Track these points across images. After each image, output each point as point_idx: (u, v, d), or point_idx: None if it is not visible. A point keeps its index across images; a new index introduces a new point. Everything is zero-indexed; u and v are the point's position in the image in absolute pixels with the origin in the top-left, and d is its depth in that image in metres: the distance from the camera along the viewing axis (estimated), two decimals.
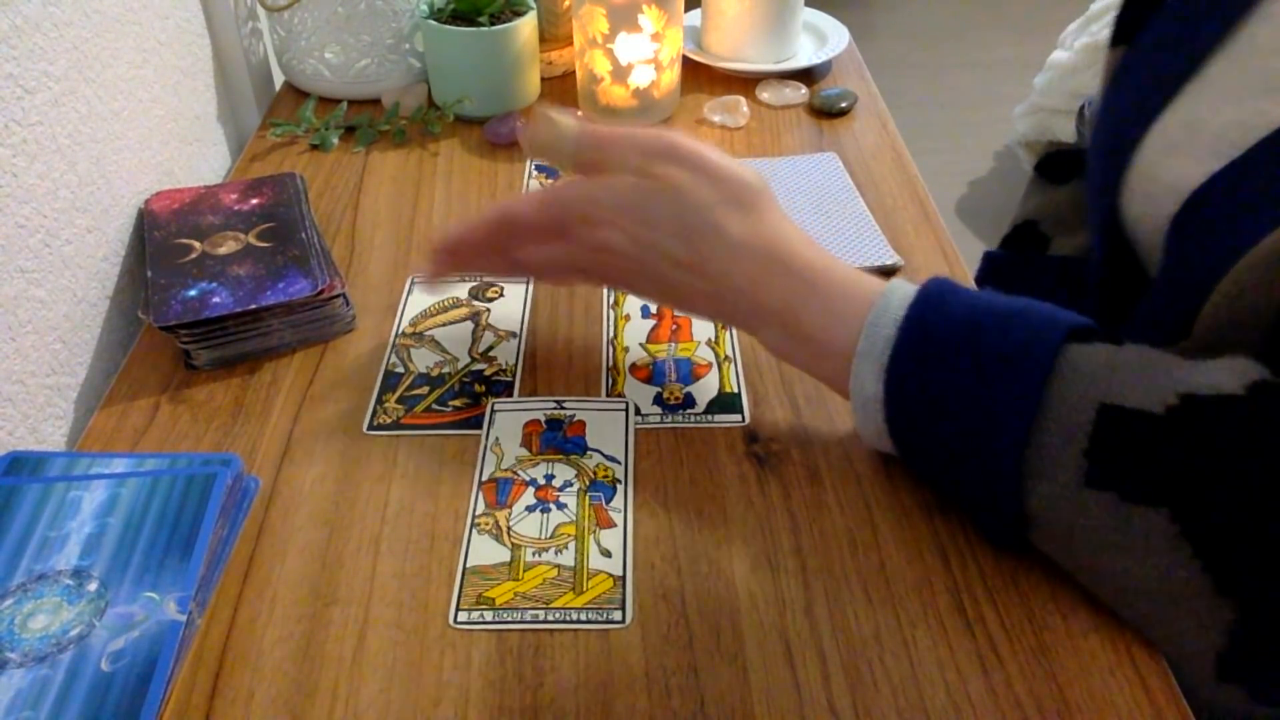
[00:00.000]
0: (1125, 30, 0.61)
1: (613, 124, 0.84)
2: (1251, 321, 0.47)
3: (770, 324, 0.49)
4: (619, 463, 0.53)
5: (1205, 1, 0.54)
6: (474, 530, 0.50)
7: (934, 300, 0.46)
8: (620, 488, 0.52)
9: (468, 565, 0.48)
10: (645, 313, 0.64)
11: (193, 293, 0.59)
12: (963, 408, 0.44)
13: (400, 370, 0.59)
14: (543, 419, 0.56)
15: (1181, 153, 0.53)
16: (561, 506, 0.51)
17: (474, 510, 0.51)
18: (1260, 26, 0.51)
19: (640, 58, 0.81)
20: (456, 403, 0.57)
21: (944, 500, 0.50)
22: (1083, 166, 0.68)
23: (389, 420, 0.56)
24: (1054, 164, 0.83)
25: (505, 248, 0.54)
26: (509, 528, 0.50)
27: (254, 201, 0.68)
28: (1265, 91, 0.49)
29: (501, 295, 0.65)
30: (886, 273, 0.66)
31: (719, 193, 0.49)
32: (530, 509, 0.51)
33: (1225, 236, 0.49)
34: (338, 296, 0.61)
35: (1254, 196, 0.47)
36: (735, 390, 0.58)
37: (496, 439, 0.55)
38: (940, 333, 0.45)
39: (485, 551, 0.49)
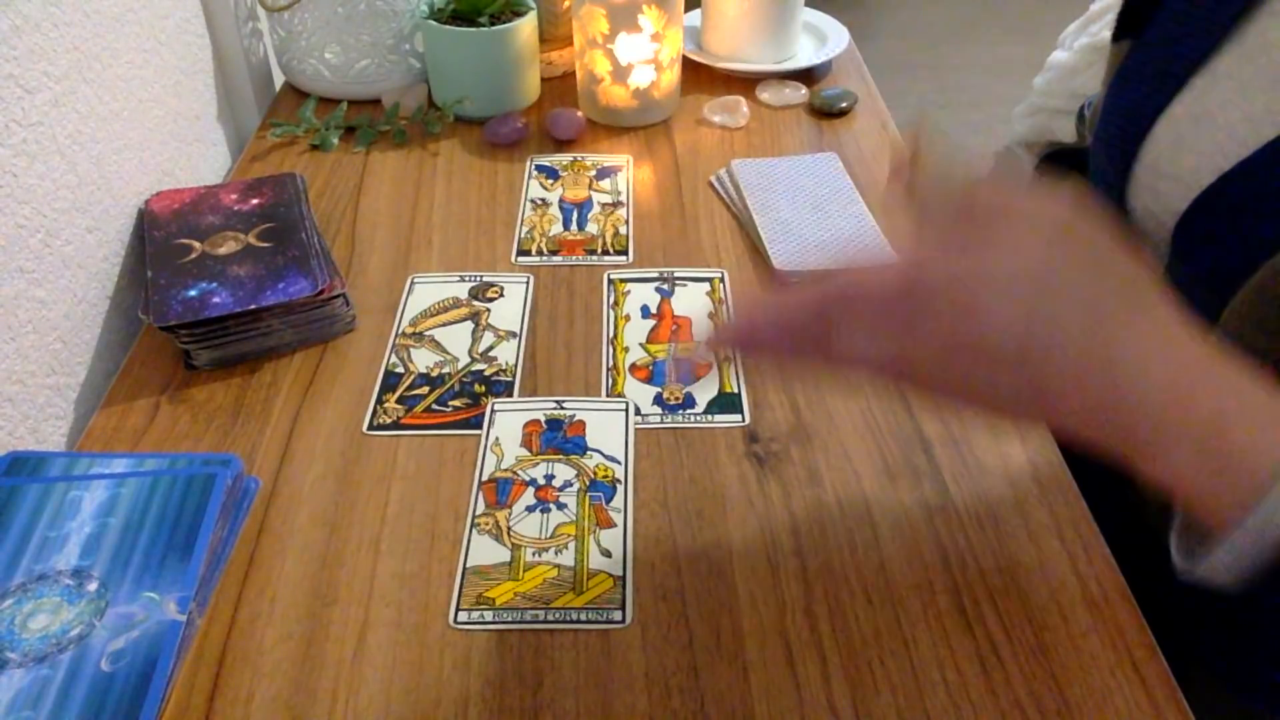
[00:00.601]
0: (1129, 24, 0.61)
1: (613, 123, 0.85)
2: (1274, 332, 0.47)
3: (1182, 441, 0.40)
4: (619, 463, 0.53)
5: None
6: (474, 530, 0.50)
7: None
8: (620, 488, 0.52)
9: (468, 565, 0.48)
10: (645, 313, 0.64)
11: (193, 293, 0.59)
12: None
13: (400, 370, 0.59)
14: (543, 419, 0.56)
15: (1190, 148, 0.53)
16: (561, 506, 0.51)
17: (474, 510, 0.51)
18: (1270, 22, 0.51)
19: (640, 58, 0.81)
20: (456, 403, 0.57)
21: (944, 499, 0.50)
22: (1085, 165, 0.68)
23: (389, 420, 0.56)
24: (1056, 161, 0.83)
25: (819, 331, 0.42)
26: (509, 528, 0.50)
27: (254, 202, 0.68)
28: (1273, 87, 0.49)
29: (501, 295, 0.65)
30: None
31: (1124, 273, 0.40)
32: (530, 509, 0.51)
33: (1241, 239, 0.48)
34: (338, 296, 0.61)
35: (1268, 201, 0.47)
36: (735, 390, 0.58)
37: (496, 439, 0.55)
38: None
39: (485, 551, 0.49)
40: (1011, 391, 0.41)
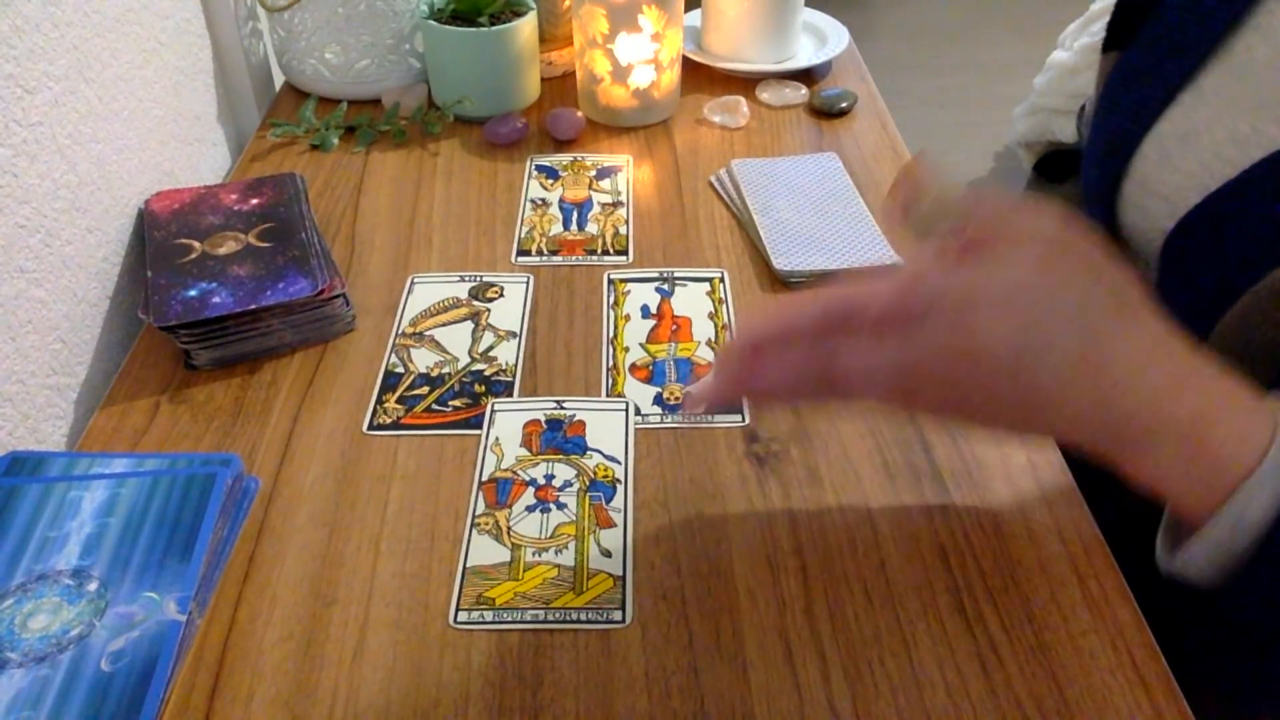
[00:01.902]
0: (1118, 35, 0.61)
1: (613, 123, 0.85)
2: (1261, 356, 0.47)
3: (1166, 440, 0.42)
4: (619, 463, 0.53)
5: (1198, 10, 0.54)
6: (474, 530, 0.50)
7: None
8: (620, 488, 0.52)
9: (468, 565, 0.48)
10: (645, 313, 0.64)
11: (193, 293, 0.59)
12: None
13: (400, 370, 0.59)
14: (543, 419, 0.56)
15: (1176, 166, 0.53)
16: (561, 506, 0.51)
17: (474, 510, 0.51)
18: (1255, 39, 0.51)
19: (640, 58, 0.81)
20: (456, 403, 0.57)
21: (944, 499, 0.50)
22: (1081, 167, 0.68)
23: (389, 420, 0.56)
24: (1053, 164, 0.83)
25: (822, 349, 0.43)
26: (509, 528, 0.50)
27: (254, 201, 0.68)
28: (1259, 107, 0.49)
29: (501, 295, 0.65)
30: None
31: (1109, 284, 0.42)
32: (530, 509, 0.51)
33: (1226, 261, 0.48)
34: (338, 296, 0.61)
35: (1255, 224, 0.47)
36: None
37: (496, 439, 0.55)
38: None
39: (485, 551, 0.49)
40: (1009, 403, 0.43)
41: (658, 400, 0.57)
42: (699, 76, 0.92)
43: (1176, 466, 0.42)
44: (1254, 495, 0.40)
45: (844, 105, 0.86)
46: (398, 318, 0.64)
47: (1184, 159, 0.52)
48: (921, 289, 0.41)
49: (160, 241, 0.64)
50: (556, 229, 0.72)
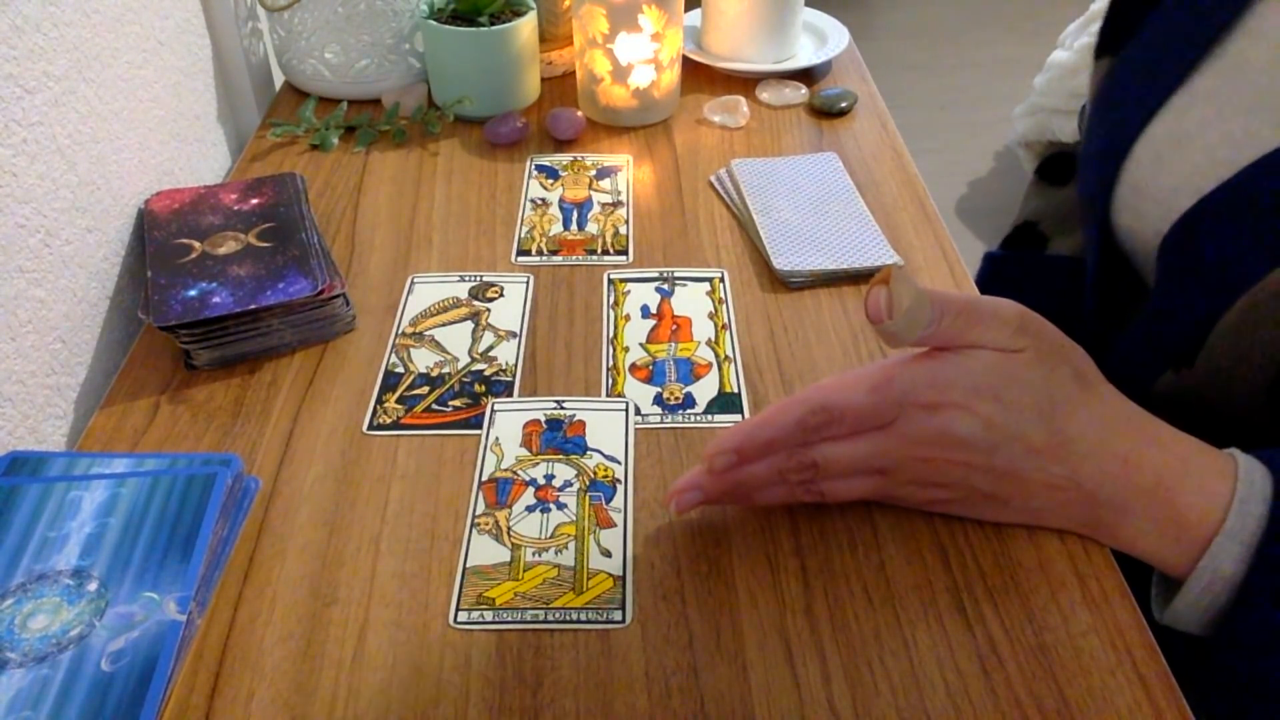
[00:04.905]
0: (1111, 41, 0.61)
1: (613, 122, 0.85)
2: (1259, 357, 0.47)
3: (1136, 508, 0.44)
4: (619, 463, 0.53)
5: (1190, 13, 0.54)
6: (474, 530, 0.50)
7: None
8: (620, 488, 0.52)
9: (468, 565, 0.48)
10: (645, 313, 0.64)
11: (193, 293, 0.59)
12: None
13: (400, 370, 0.59)
14: (543, 419, 0.56)
15: (1170, 168, 0.53)
16: (561, 506, 0.51)
17: (474, 510, 0.51)
18: (1247, 41, 0.50)
19: (640, 58, 0.81)
20: (456, 403, 0.57)
21: None
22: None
23: (389, 420, 0.56)
24: (1053, 166, 0.83)
25: (801, 444, 0.45)
26: (509, 528, 0.50)
27: (254, 201, 0.68)
28: (1253, 109, 0.49)
29: (501, 295, 0.65)
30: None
31: (1069, 364, 0.44)
32: (530, 509, 0.51)
33: (1224, 266, 0.49)
34: (338, 296, 0.61)
35: (1251, 226, 0.47)
36: (735, 390, 0.58)
37: (496, 439, 0.55)
38: None
39: (485, 551, 0.49)
40: (987, 487, 0.45)
41: (658, 400, 0.57)
42: (699, 76, 0.92)
43: (1150, 531, 0.44)
44: (1224, 551, 0.42)
45: (844, 105, 0.86)
46: (398, 318, 0.64)
47: (1178, 161, 0.52)
48: (894, 389, 0.44)
49: (160, 241, 0.64)
50: (556, 229, 0.72)
